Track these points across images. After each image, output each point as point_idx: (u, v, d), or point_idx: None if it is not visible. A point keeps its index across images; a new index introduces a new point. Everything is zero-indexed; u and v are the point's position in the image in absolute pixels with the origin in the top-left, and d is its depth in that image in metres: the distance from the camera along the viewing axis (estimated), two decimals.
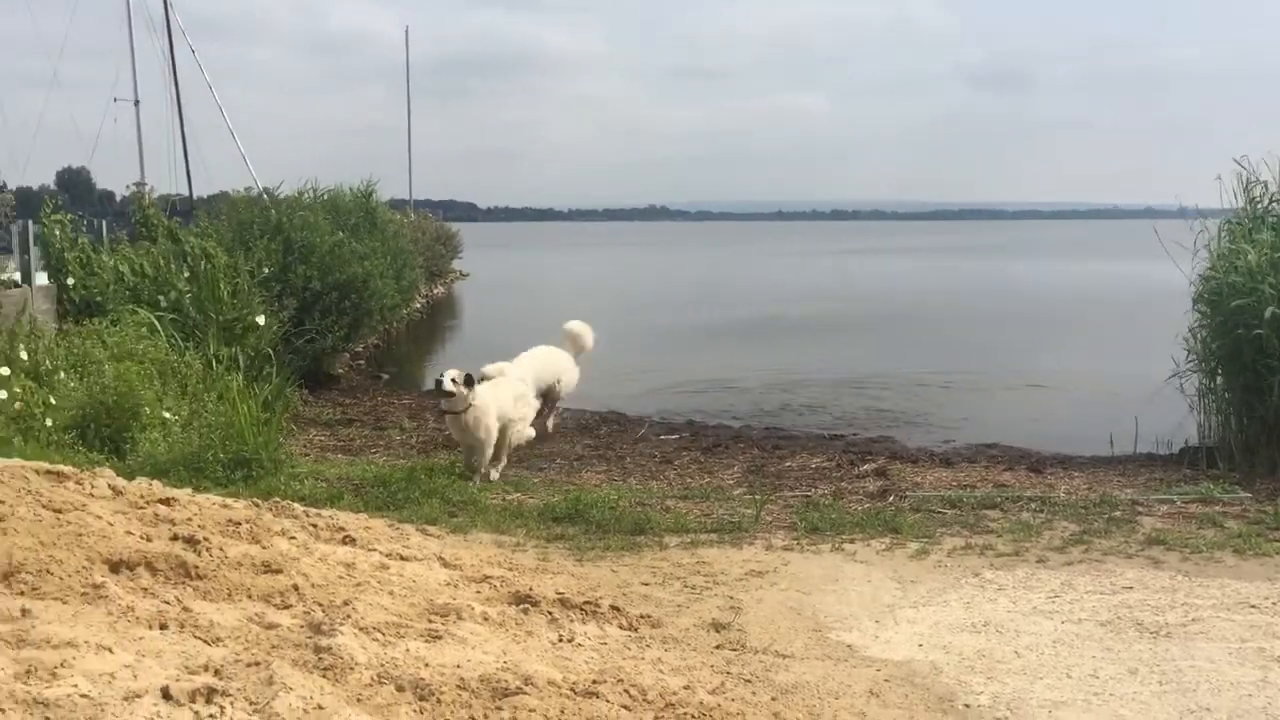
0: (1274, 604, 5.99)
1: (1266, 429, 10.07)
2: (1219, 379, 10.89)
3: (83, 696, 2.95)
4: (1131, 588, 6.33)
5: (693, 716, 3.77)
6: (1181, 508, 8.52)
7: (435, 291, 35.93)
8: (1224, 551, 7.13)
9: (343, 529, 6.66)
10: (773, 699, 4.29)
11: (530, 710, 3.51)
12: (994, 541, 7.52)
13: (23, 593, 3.79)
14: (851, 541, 7.60)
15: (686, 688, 4.15)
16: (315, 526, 6.59)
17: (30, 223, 12.96)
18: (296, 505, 7.41)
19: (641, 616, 5.48)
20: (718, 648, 5.12)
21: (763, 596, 6.22)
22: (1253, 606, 5.94)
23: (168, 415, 10.04)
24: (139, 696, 3.02)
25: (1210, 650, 5.22)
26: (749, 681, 4.52)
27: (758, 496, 9.25)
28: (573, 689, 3.86)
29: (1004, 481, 10.18)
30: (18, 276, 11.83)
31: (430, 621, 4.64)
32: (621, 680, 4.05)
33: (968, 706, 4.44)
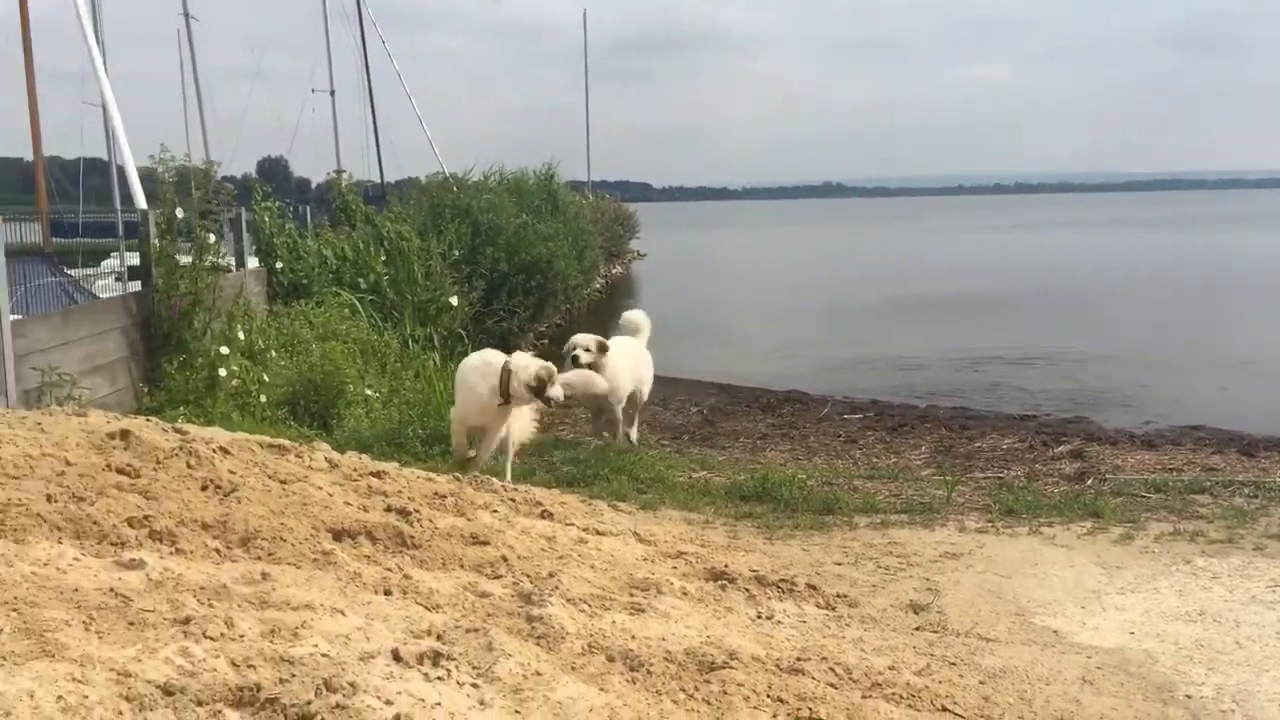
0: None
1: None
2: None
3: (323, 655, 3.13)
4: None
5: (900, 697, 3.74)
6: None
7: (614, 271, 36.40)
8: None
9: (539, 503, 6.85)
10: (980, 682, 4.21)
11: (739, 684, 3.55)
12: (1204, 528, 7.17)
13: (259, 558, 4.04)
14: (1050, 525, 7.37)
15: (891, 668, 4.11)
16: (513, 500, 6.80)
17: (243, 210, 13.74)
18: (494, 479, 7.66)
19: (838, 595, 5.46)
20: (918, 629, 5.05)
21: (959, 579, 6.10)
22: None
23: (369, 392, 10.50)
24: (373, 657, 3.18)
25: None
26: (954, 664, 4.45)
27: (948, 477, 9.07)
28: (778, 665, 3.88)
29: (1213, 465, 9.71)
30: (233, 262, 12.56)
31: (632, 595, 4.74)
32: (825, 658, 4.05)
33: (1189, 697, 4.26)
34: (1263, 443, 10.88)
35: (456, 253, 15.95)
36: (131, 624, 3.03)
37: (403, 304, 13.60)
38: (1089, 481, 8.97)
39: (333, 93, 44.30)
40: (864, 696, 3.68)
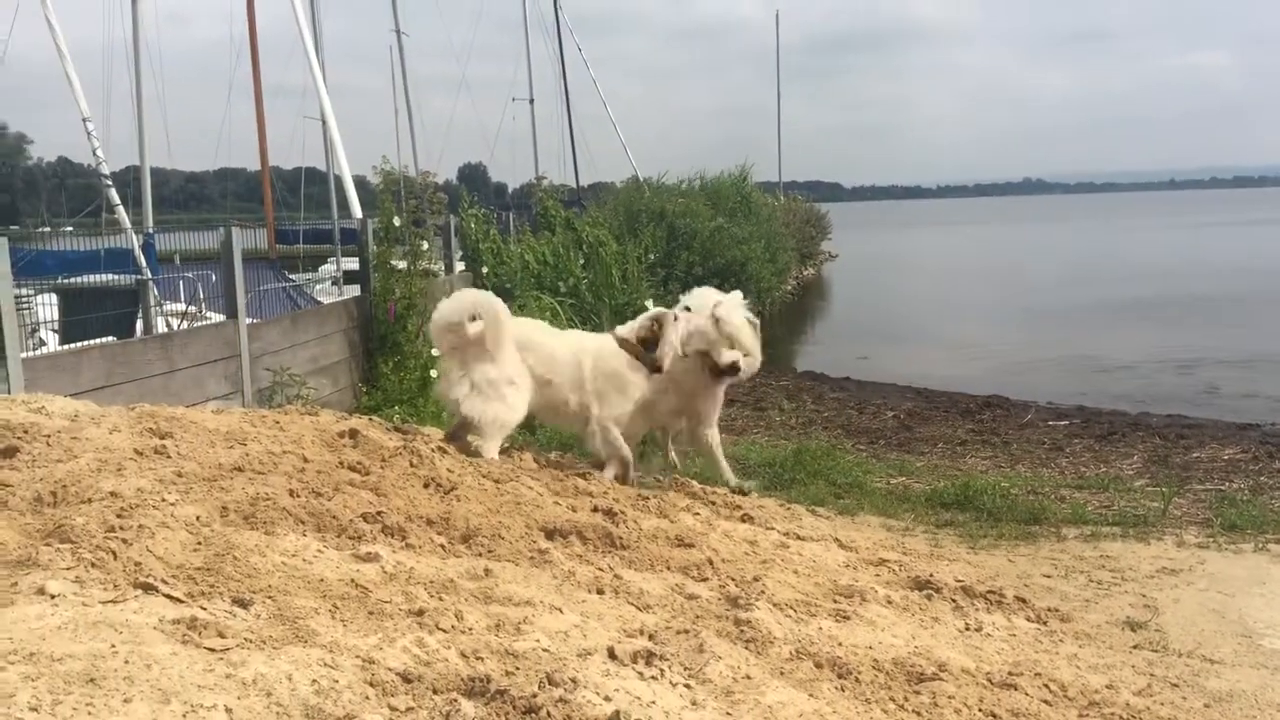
0: None
1: None
2: None
3: (545, 651, 3.27)
4: None
5: (1119, 717, 3.64)
6: None
7: (805, 273, 36.18)
8: None
9: (739, 507, 6.91)
10: (1206, 705, 4.05)
11: (949, 697, 3.52)
12: None
13: (480, 554, 4.24)
14: (1278, 542, 6.97)
15: (1109, 687, 4.00)
16: (714, 504, 6.89)
17: (452, 217, 14.32)
18: (694, 482, 7.77)
19: (1049, 609, 5.31)
20: (1135, 647, 4.88)
21: (1179, 596, 5.84)
22: None
23: None
24: (590, 654, 3.30)
25: None
26: (1176, 686, 4.28)
27: (1164, 488, 8.68)
28: (989, 679, 3.82)
29: None
30: (442, 266, 13.10)
31: (836, 602, 4.74)
32: (1039, 674, 3.97)
33: None
34: None
35: (652, 256, 16.19)
36: (371, 614, 3.24)
37: (600, 307, 13.89)
38: None
39: (531, 100, 45.52)
40: (1080, 715, 3.59)
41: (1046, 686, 3.83)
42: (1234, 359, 18.88)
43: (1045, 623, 5.09)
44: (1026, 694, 3.71)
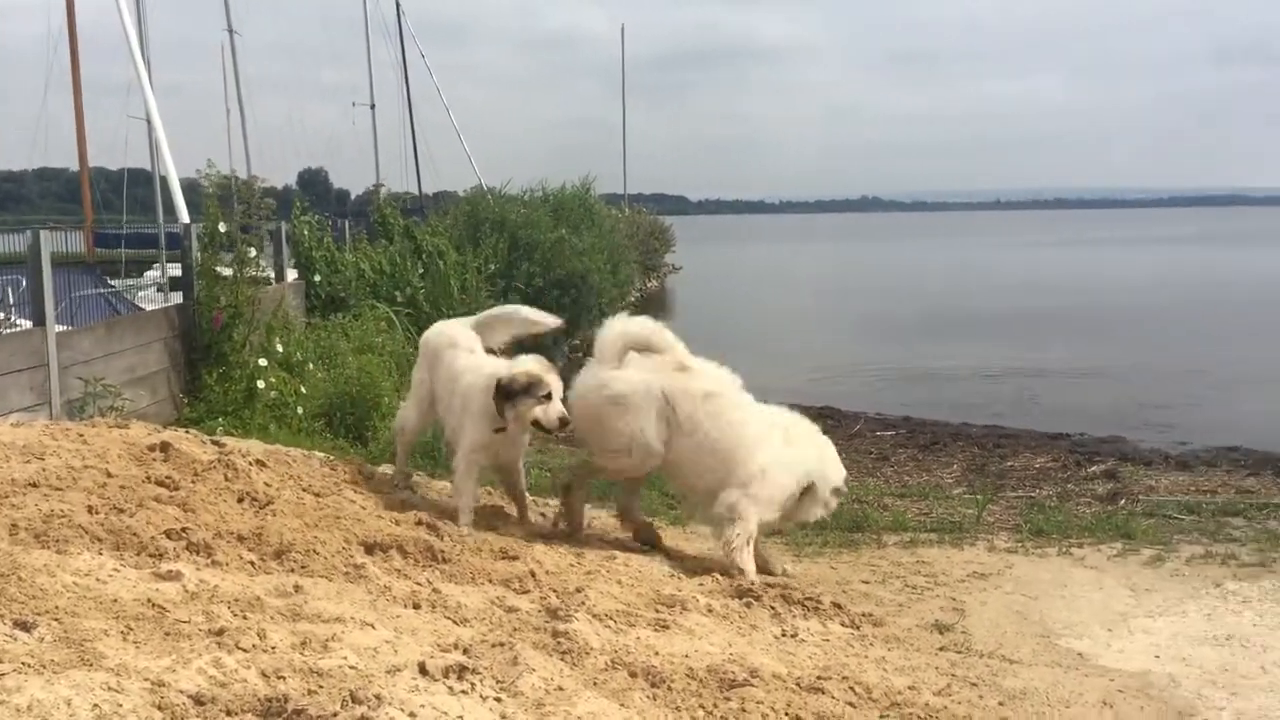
0: None
1: None
2: None
3: (351, 668, 3.22)
4: None
5: (918, 717, 3.78)
6: None
7: (649, 285, 36.51)
8: None
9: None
10: (1000, 704, 4.24)
11: (757, 702, 3.60)
12: (1237, 551, 7.12)
13: (293, 570, 4.15)
14: (1080, 546, 7.35)
15: (911, 688, 4.15)
16: (544, 515, 6.89)
17: (283, 223, 13.94)
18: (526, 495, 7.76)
19: (863, 614, 5.49)
20: (941, 649, 5.08)
21: (986, 599, 6.11)
22: None
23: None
24: (399, 670, 3.26)
25: None
26: (975, 685, 4.47)
27: (979, 496, 9.06)
28: (798, 683, 3.92)
29: (1248, 487, 9.64)
30: (272, 274, 12.75)
31: (658, 611, 4.80)
32: (847, 677, 4.09)
33: None
34: None
35: (493, 266, 16.10)
36: (167, 634, 3.13)
37: (438, 317, 13.72)
38: (1121, 502, 8.95)
39: (373, 106, 44.83)
40: (881, 716, 3.72)
41: (852, 689, 3.96)
42: (1051, 373, 19.86)
43: (859, 628, 5.25)
44: (833, 697, 3.82)
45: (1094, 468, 10.84)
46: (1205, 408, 15.98)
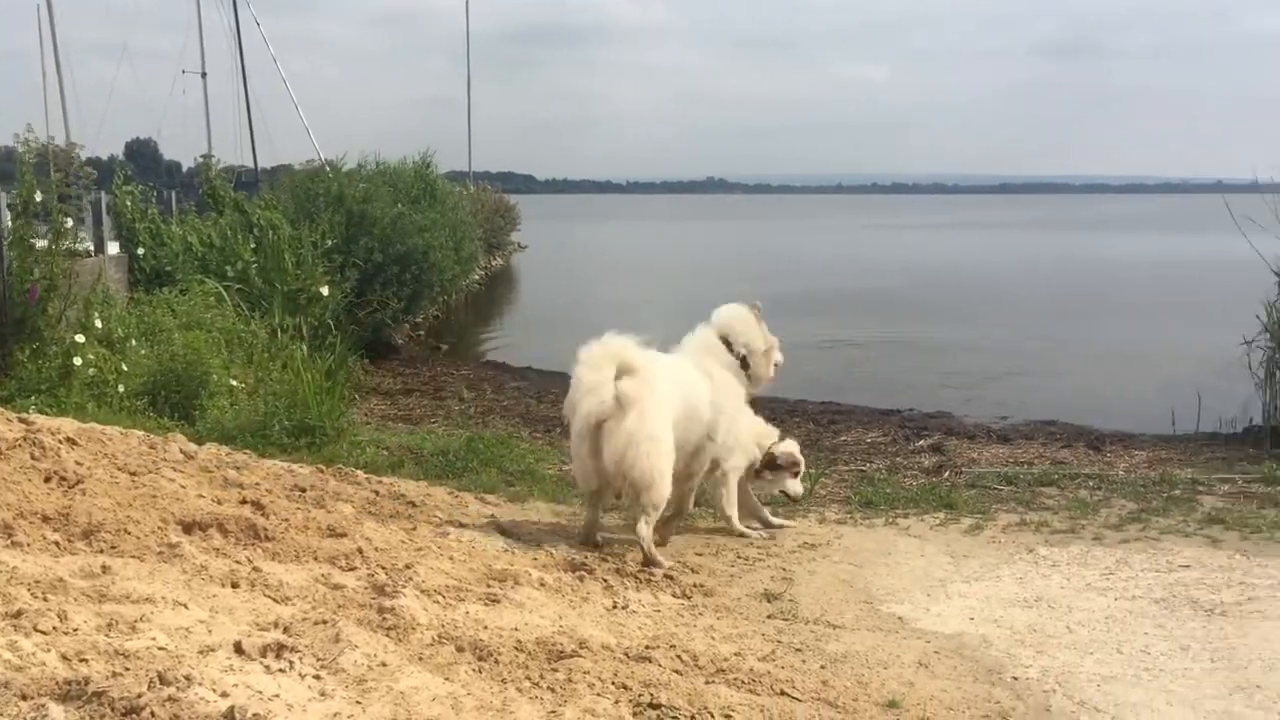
0: None
1: None
2: None
3: (160, 649, 3.10)
4: (1188, 566, 6.30)
5: (742, 682, 3.86)
6: (1243, 487, 8.42)
7: (494, 263, 36.22)
8: None
9: (403, 495, 6.84)
10: (822, 667, 4.36)
11: (585, 672, 3.62)
12: (1049, 518, 7.50)
13: (102, 550, 3.97)
14: (905, 516, 7.63)
15: (737, 654, 4.24)
16: (377, 493, 6.77)
17: (104, 194, 13.29)
18: (359, 472, 7.61)
19: (695, 585, 5.58)
20: (769, 617, 5.19)
21: (815, 568, 6.27)
22: None
23: (234, 383, 10.28)
24: (213, 650, 3.16)
25: (1265, 629, 5.19)
26: (799, 650, 4.59)
27: (811, 470, 9.29)
28: (626, 653, 3.96)
29: (1062, 459, 10.14)
30: (91, 246, 12.15)
31: (489, 586, 4.77)
32: (674, 646, 4.15)
33: (1016, 679, 4.47)
34: (1109, 437, 11.40)
35: (330, 242, 15.68)
36: None
37: (271, 293, 13.33)
38: (945, 474, 9.29)
39: (204, 74, 43.08)
40: (707, 682, 3.78)
41: (679, 657, 4.01)
42: (886, 351, 20.53)
43: (690, 598, 5.33)
44: (660, 665, 3.87)
45: (922, 442, 11.23)
46: (1025, 384, 16.75)
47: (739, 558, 6.52)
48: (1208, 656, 4.81)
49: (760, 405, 13.94)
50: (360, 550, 4.81)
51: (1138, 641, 5.01)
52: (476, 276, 28.33)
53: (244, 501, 5.24)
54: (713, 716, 3.39)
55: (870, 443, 11.43)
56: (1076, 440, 11.25)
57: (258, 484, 5.73)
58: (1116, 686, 4.41)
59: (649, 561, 5.81)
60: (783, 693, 3.78)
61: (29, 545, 3.77)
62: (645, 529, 5.93)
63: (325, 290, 13.84)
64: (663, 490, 5.99)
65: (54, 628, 3.02)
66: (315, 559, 4.61)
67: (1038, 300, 29.82)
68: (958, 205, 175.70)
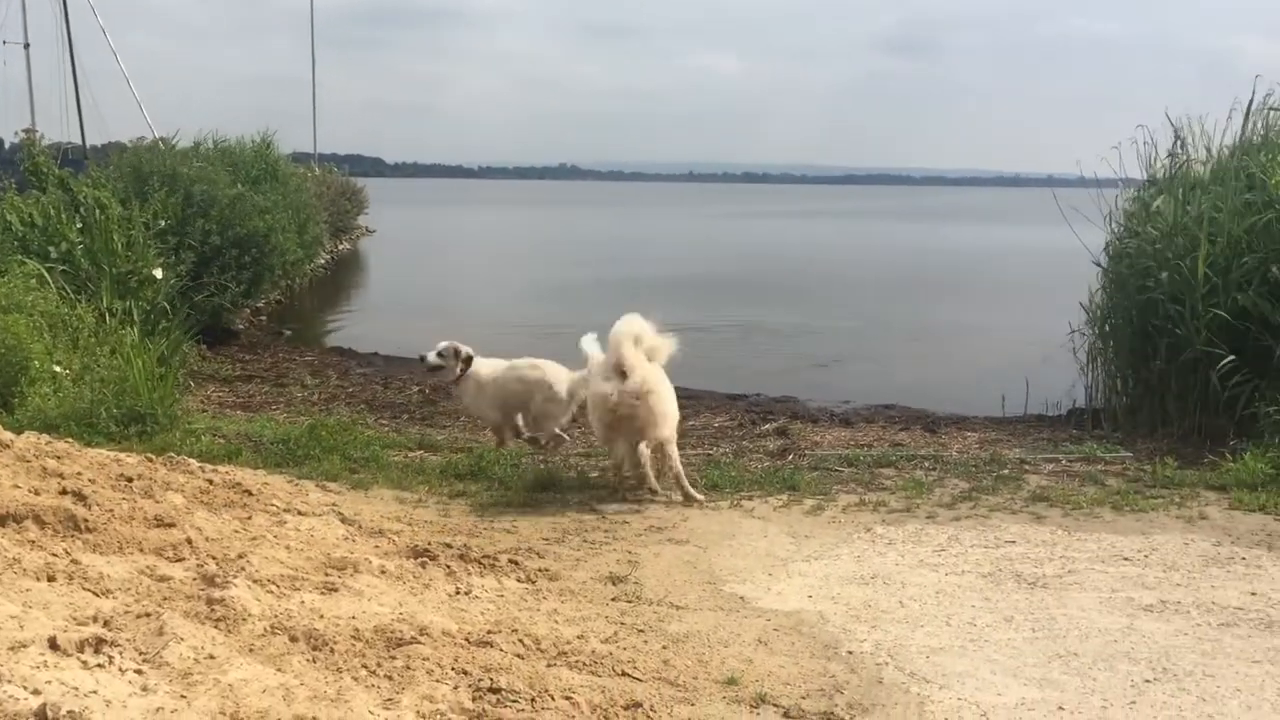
0: (1145, 556, 6.28)
1: (1149, 390, 10.49)
2: (1111, 342, 11.31)
3: None
4: (1014, 542, 6.58)
5: (584, 664, 3.86)
6: (1066, 466, 8.85)
7: (340, 248, 35.36)
8: (1103, 508, 7.43)
9: (239, 484, 6.61)
10: (664, 647, 4.40)
11: (424, 659, 3.57)
12: (887, 498, 7.73)
13: None
14: (750, 498, 7.75)
15: (580, 637, 4.24)
16: (211, 482, 6.53)
17: None
18: (192, 461, 7.32)
19: (540, 570, 5.56)
20: (614, 600, 5.21)
21: (660, 551, 6.33)
22: (1125, 559, 6.23)
23: (58, 369, 9.77)
24: (25, 646, 3.00)
25: (1083, 600, 5.47)
26: (642, 631, 4.63)
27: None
28: (467, 639, 3.92)
29: (900, 441, 10.45)
30: None
31: (327, 575, 4.66)
32: (516, 630, 4.13)
33: (850, 653, 4.60)
34: (944, 420, 11.81)
35: (163, 223, 15.03)
36: None
37: (100, 276, 12.69)
38: (790, 457, 9.48)
39: (27, 45, 40.90)
40: (549, 665, 3.78)
41: (522, 641, 4.00)
42: (733, 336, 20.82)
43: (534, 582, 5.31)
44: (501, 650, 3.85)
45: (767, 425, 11.42)
46: (866, 369, 17.23)
47: (585, 542, 6.54)
48: (1029, 627, 5.04)
49: None
50: (190, 540, 4.63)
51: (965, 614, 5.21)
52: (322, 261, 27.62)
53: (64, 492, 4.99)
54: (553, 698, 3.39)
55: (718, 427, 11.58)
56: (914, 423, 11.62)
57: (79, 473, 5.45)
58: (944, 657, 4.58)
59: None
60: (624, 673, 3.80)
61: None
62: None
63: (159, 273, 13.27)
64: None
65: None
66: (140, 550, 4.42)
67: (879, 287, 30.71)
68: (806, 195, 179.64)
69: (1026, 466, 8.82)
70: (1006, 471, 8.60)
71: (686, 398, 13.68)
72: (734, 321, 22.83)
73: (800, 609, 5.24)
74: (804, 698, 4.05)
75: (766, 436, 10.90)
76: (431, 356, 9.80)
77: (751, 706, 3.89)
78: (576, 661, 3.85)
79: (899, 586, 5.66)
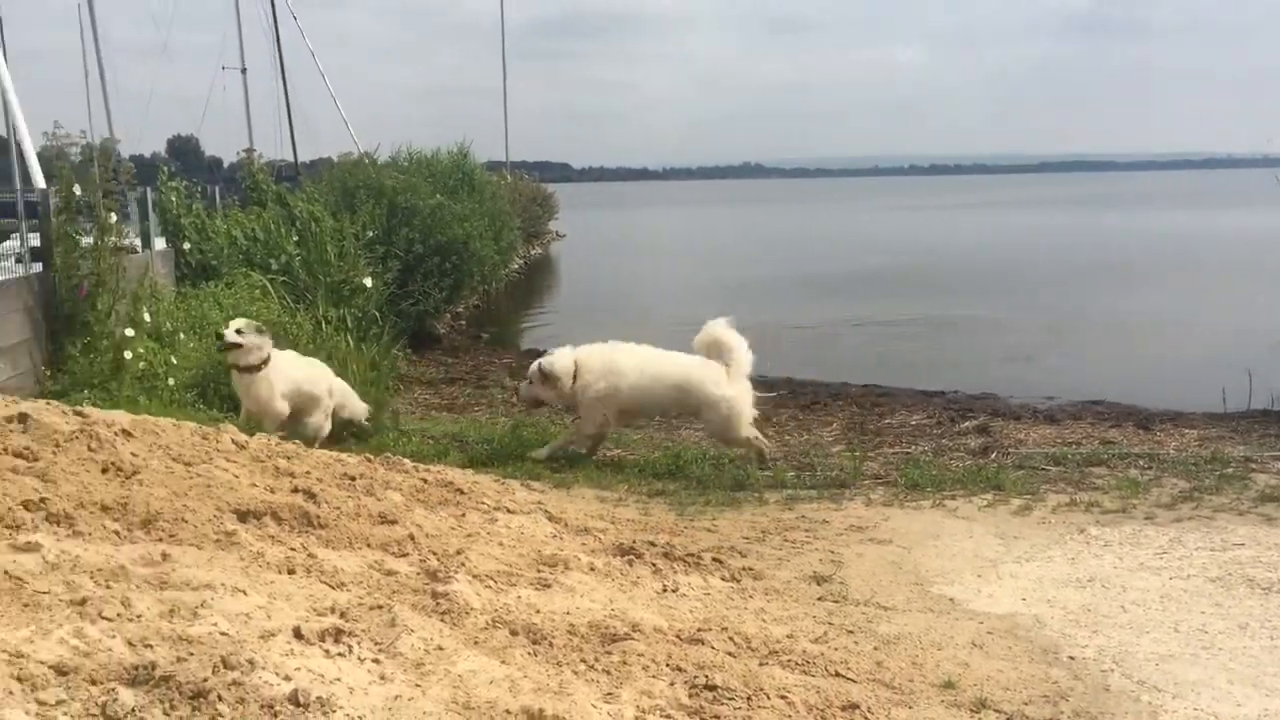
0: None
1: None
2: None
3: (222, 634, 3.14)
4: (1243, 544, 6.22)
5: (796, 663, 3.86)
6: None
7: (532, 252, 36.30)
8: None
9: (451, 483, 6.86)
10: (875, 648, 4.35)
11: (639, 654, 3.63)
12: (1100, 498, 7.43)
13: (161, 539, 4.02)
14: (953, 498, 7.58)
15: (790, 636, 4.24)
16: (425, 481, 6.81)
17: (149, 190, 13.45)
18: (406, 460, 7.64)
19: (743, 569, 5.57)
20: (819, 599, 5.19)
21: (863, 551, 6.26)
22: None
23: None
24: (273, 635, 3.20)
25: None
26: (851, 632, 4.59)
27: (856, 453, 9.26)
28: (678, 636, 3.97)
29: (1110, 438, 10.03)
30: (138, 242, 12.29)
31: (539, 571, 4.80)
32: (725, 628, 4.16)
33: (1072, 659, 4.44)
34: (1158, 416, 11.26)
35: (371, 233, 15.79)
36: (26, 606, 3.01)
37: (315, 285, 13.44)
38: (992, 455, 9.23)
39: (244, 70, 43.54)
40: (761, 664, 3.79)
41: (732, 639, 4.02)
42: (926, 333, 20.37)
43: (739, 581, 5.33)
44: (713, 647, 3.88)
45: (967, 423, 11.15)
46: (1071, 364, 16.58)
47: (785, 541, 6.52)
48: (1267, 635, 4.76)
49: (803, 390, 13.94)
50: (411, 537, 4.85)
51: (1194, 620, 4.96)
52: (516, 265, 28.40)
53: (296, 490, 5.29)
54: (768, 697, 3.40)
55: (915, 425, 11.36)
56: (1125, 419, 11.13)
57: (308, 473, 5.77)
58: (1175, 665, 4.38)
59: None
60: (837, 674, 3.78)
61: (90, 534, 3.82)
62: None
63: (368, 282, 13.93)
64: None
65: (118, 614, 3.06)
66: (368, 546, 4.65)
67: (1082, 277, 29.49)
68: (998, 185, 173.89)
69: (1253, 465, 8.33)
70: (1231, 470, 8.14)
71: (879, 395, 13.51)
72: (920, 316, 22.33)
73: (1014, 612, 5.09)
74: (1026, 704, 3.93)
75: (966, 434, 10.63)
76: (230, 333, 8.38)
77: (972, 711, 3.80)
78: (789, 661, 3.85)
79: (1119, 590, 5.42)
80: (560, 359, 9.05)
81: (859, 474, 8.40)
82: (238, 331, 8.36)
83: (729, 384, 8.90)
